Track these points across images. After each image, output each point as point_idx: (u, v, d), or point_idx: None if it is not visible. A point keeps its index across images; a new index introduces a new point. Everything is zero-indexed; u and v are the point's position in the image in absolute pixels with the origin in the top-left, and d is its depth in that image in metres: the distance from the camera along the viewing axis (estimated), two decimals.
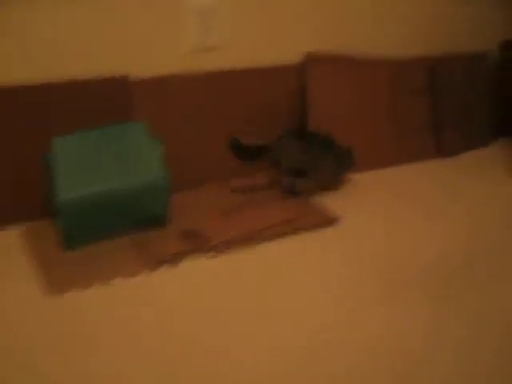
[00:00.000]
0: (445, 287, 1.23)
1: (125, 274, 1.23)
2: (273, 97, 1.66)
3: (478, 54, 2.00)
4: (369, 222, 1.48)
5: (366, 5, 1.76)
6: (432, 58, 1.89)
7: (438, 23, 1.92)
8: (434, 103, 1.89)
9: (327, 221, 1.45)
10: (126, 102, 1.47)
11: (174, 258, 1.27)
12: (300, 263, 1.31)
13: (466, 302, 1.18)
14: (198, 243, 1.32)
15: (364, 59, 1.76)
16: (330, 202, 1.54)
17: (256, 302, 1.17)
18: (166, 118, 1.53)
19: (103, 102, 1.45)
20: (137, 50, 1.49)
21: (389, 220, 1.50)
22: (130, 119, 1.47)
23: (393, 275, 1.26)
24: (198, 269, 1.27)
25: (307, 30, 1.69)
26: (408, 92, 1.83)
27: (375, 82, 1.77)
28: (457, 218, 1.52)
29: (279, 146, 1.56)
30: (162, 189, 1.34)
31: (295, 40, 1.68)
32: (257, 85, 1.64)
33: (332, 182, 1.60)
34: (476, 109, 1.99)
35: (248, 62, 1.62)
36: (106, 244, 1.33)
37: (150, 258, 1.27)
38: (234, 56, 1.61)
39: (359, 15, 1.76)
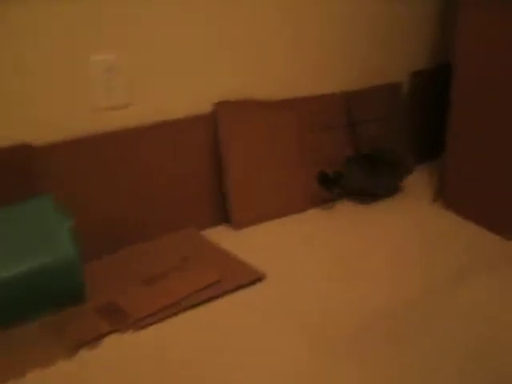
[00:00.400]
0: (374, 346, 1.20)
1: (41, 363, 1.14)
2: (186, 146, 1.61)
3: (392, 85, 2.00)
4: (294, 274, 1.44)
5: (274, 47, 1.73)
6: (347, 92, 1.89)
7: (350, 59, 1.91)
8: (353, 136, 1.88)
9: (254, 278, 1.40)
10: (30, 172, 1.38)
11: (94, 340, 1.19)
12: (228, 328, 1.25)
13: (399, 364, 1.15)
14: (118, 320, 1.24)
15: (273, 101, 1.74)
16: (252, 252, 1.50)
17: (187, 374, 1.11)
18: (75, 183, 1.45)
19: (5, 174, 1.36)
20: (40, 113, 1.40)
21: (313, 269, 1.46)
22: (37, 190, 1.38)
23: (322, 333, 1.23)
24: (120, 347, 1.19)
25: (216, 78, 1.65)
26: (325, 128, 1.81)
27: (286, 122, 1.74)
28: (384, 257, 1.51)
29: (346, 172, 1.77)
30: (74, 264, 1.25)
31: (204, 90, 1.63)
32: (169, 137, 1.58)
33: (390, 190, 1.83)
34: (395, 138, 1.99)
35: (159, 116, 1.57)
36: (20, 329, 1.23)
37: (68, 342, 1.18)
38: (144, 111, 1.54)
39: (268, 59, 1.73)
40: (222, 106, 1.64)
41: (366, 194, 1.79)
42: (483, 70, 1.65)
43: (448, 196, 1.79)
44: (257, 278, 1.40)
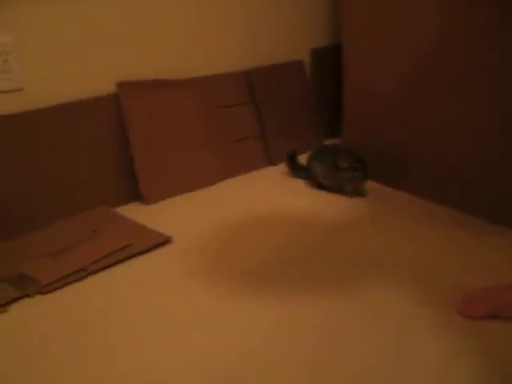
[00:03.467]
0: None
1: None
2: (92, 127, 1.64)
3: (293, 63, 2.09)
4: (198, 237, 1.50)
5: (175, 27, 1.79)
6: (249, 70, 1.96)
7: (251, 37, 1.98)
8: (257, 113, 1.95)
9: (161, 241, 1.45)
10: None
11: (4, 304, 1.22)
12: (140, 287, 1.29)
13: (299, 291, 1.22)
14: (27, 287, 1.27)
15: (176, 80, 1.79)
16: (161, 222, 1.55)
17: (99, 336, 1.14)
18: None
19: None
20: None
21: (215, 233, 1.53)
22: None
23: (230, 279, 1.29)
24: (28, 310, 1.22)
25: (117, 59, 1.69)
26: (229, 105, 1.88)
27: (190, 101, 1.80)
28: (289, 225, 1.58)
29: (310, 165, 1.80)
30: None
31: (105, 70, 1.67)
32: (72, 120, 1.61)
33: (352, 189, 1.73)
34: (299, 114, 2.07)
35: (59, 98, 1.59)
36: None
37: None
38: (42, 95, 1.57)
39: (169, 38, 1.78)
40: (125, 86, 1.69)
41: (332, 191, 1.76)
42: (367, 48, 1.76)
43: None
44: (164, 241, 1.45)
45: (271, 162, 1.97)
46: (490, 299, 1.14)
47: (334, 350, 1.05)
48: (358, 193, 1.73)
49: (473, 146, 1.51)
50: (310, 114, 2.11)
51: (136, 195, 1.72)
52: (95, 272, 1.34)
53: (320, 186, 1.78)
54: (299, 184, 1.82)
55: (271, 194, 1.75)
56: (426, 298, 1.19)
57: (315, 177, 1.79)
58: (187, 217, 1.61)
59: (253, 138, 1.95)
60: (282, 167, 1.92)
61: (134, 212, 1.64)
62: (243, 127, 1.93)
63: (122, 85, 1.69)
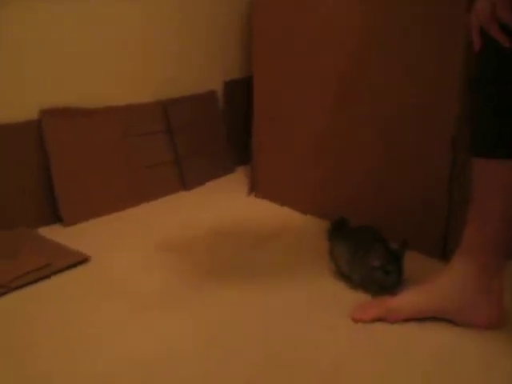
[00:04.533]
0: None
1: None
2: (12, 152, 1.74)
3: (207, 93, 2.24)
4: (117, 258, 1.61)
5: (97, 59, 1.91)
6: (165, 100, 2.10)
7: (168, 69, 2.12)
8: (171, 141, 2.09)
9: (79, 260, 1.56)
10: None
11: None
12: (57, 303, 1.39)
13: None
14: None
15: (96, 109, 1.91)
16: (80, 243, 1.65)
17: (20, 346, 1.23)
18: None
19: None
20: None
21: (132, 255, 1.64)
22: None
23: (140, 302, 1.42)
24: None
25: (40, 87, 1.78)
26: (143, 134, 2.02)
27: (108, 129, 1.93)
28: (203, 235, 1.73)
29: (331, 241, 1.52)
30: None
31: (28, 97, 1.76)
32: None
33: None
34: (213, 141, 2.23)
35: None
36: None
37: None
38: None
39: (91, 70, 1.90)
40: (47, 113, 1.79)
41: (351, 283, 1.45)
42: (276, 78, 1.92)
43: (259, 189, 2.06)
44: (82, 260, 1.56)
45: (185, 186, 2.10)
46: (377, 307, 1.34)
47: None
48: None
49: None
50: (221, 142, 2.26)
51: (57, 217, 1.81)
52: (15, 289, 1.43)
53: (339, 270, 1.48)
54: (213, 207, 1.97)
55: (185, 217, 1.89)
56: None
57: (334, 258, 1.48)
58: (104, 238, 1.72)
59: (167, 164, 2.08)
60: (194, 192, 2.08)
61: (53, 233, 1.73)
62: (158, 154, 2.06)
63: (44, 112, 1.79)
